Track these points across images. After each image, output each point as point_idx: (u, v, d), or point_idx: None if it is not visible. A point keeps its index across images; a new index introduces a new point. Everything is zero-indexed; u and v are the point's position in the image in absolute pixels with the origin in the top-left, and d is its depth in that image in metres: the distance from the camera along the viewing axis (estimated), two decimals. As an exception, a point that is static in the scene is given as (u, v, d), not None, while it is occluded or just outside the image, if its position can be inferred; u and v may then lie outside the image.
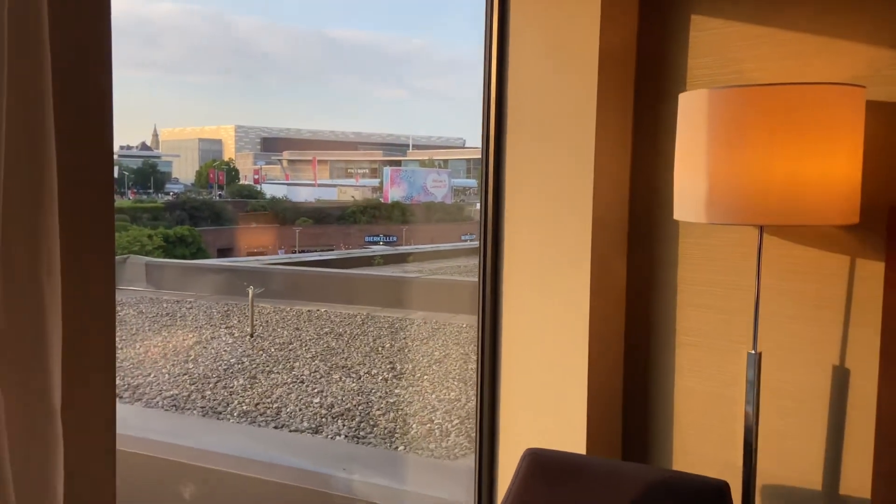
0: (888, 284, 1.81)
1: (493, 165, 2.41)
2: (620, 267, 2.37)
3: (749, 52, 2.11)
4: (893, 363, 1.82)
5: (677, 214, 1.92)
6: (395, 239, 12.93)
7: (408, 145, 17.01)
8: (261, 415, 5.24)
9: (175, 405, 5.40)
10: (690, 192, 1.85)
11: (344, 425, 5.11)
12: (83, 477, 1.39)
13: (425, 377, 6.24)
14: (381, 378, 6.03)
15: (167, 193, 8.83)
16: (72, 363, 1.34)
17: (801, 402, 2.05)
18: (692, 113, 1.84)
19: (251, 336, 7.22)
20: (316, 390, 5.63)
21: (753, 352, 1.92)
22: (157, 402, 5.40)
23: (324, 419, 5.18)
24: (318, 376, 6.00)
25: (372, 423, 5.18)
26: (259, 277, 8.89)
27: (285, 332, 7.35)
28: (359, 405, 5.48)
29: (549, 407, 2.32)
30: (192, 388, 5.64)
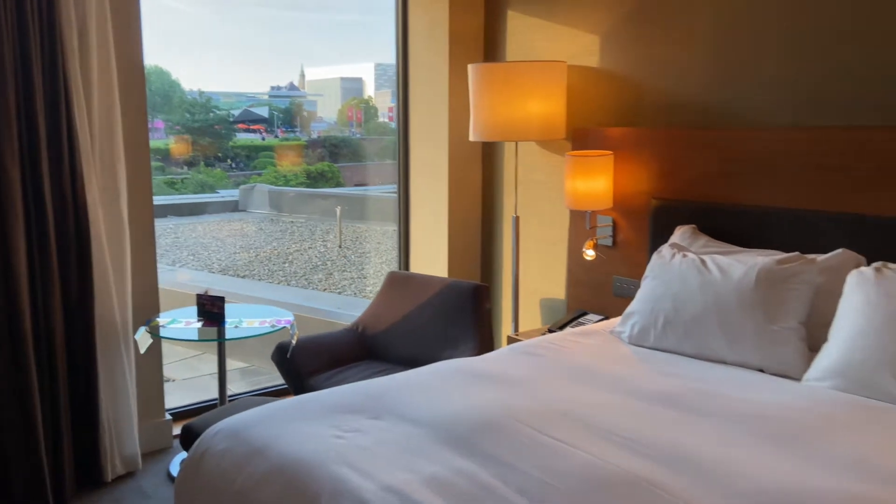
0: (568, 173, 3.11)
1: (402, 115, 3.84)
2: (477, 172, 3.76)
3: (532, 37, 3.40)
4: (574, 222, 3.13)
5: (470, 137, 3.28)
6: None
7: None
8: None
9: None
10: (471, 122, 3.21)
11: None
12: (137, 245, 3.03)
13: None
14: (426, 277, 7.63)
15: (311, 132, 9.15)
16: (133, 198, 2.97)
17: (552, 245, 3.40)
18: (471, 77, 3.19)
19: (339, 247, 8.97)
20: (372, 283, 7.35)
21: (514, 216, 3.29)
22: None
23: (369, 298, 6.95)
24: (380, 275, 7.69)
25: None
26: (364, 203, 10.60)
27: (368, 246, 9.05)
28: (398, 292, 7.18)
29: (430, 254, 3.78)
30: (283, 279, 7.50)
